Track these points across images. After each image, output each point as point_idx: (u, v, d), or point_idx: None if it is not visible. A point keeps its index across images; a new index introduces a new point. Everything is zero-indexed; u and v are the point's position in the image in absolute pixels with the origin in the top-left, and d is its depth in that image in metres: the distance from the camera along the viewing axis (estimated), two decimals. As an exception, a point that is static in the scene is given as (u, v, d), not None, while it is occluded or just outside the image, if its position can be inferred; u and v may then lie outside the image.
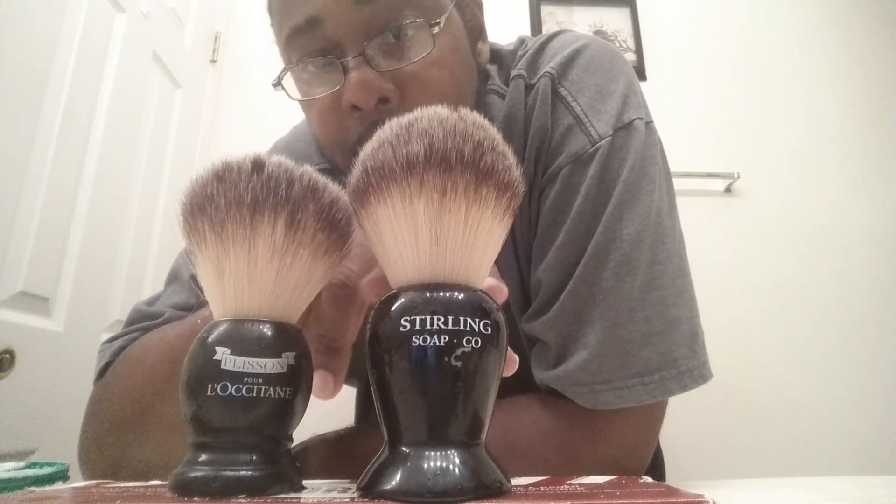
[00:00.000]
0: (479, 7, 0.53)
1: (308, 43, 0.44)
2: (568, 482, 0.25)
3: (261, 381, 0.23)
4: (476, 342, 0.22)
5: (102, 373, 0.46)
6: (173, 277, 0.53)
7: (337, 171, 0.34)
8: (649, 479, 0.27)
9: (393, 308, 0.23)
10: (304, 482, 0.25)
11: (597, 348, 0.40)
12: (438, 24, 0.44)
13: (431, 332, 0.21)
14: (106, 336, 0.53)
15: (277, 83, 0.47)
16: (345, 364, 0.30)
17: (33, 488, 0.28)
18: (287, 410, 0.24)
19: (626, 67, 0.50)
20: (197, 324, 0.39)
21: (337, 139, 0.46)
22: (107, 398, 0.44)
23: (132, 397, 0.41)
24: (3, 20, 0.78)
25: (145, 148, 1.14)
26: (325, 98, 0.45)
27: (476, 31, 0.53)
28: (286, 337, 0.25)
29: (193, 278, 0.49)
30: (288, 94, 0.47)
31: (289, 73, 0.47)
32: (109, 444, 0.42)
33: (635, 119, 0.46)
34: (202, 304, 0.46)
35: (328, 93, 0.44)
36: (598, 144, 0.44)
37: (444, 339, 0.21)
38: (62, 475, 0.37)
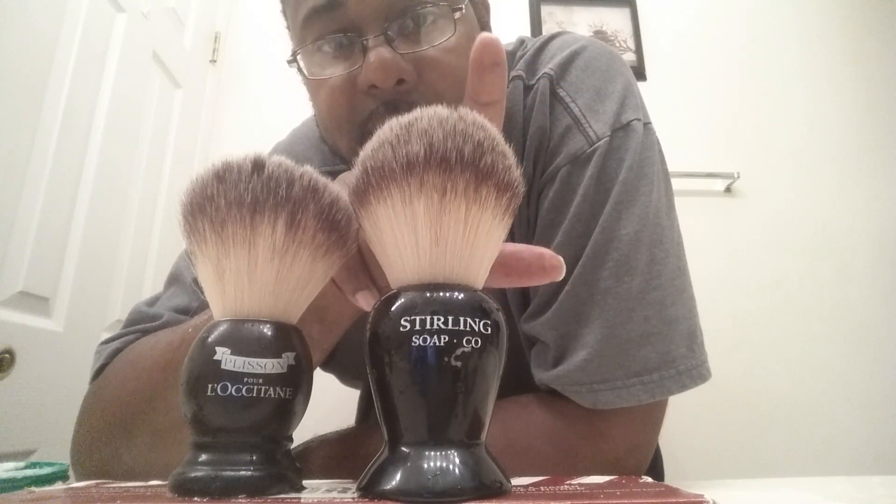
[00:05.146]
0: (487, 9, 0.53)
1: (327, 24, 0.44)
2: (568, 482, 0.25)
3: (261, 381, 0.23)
4: (476, 342, 0.22)
5: (98, 374, 0.46)
6: (174, 279, 0.53)
7: (337, 173, 0.34)
8: (649, 479, 0.27)
9: (393, 308, 0.23)
10: (305, 482, 0.25)
11: (596, 348, 0.40)
12: (461, 9, 0.44)
13: (431, 332, 0.21)
14: (106, 336, 0.53)
15: (293, 60, 0.46)
16: (371, 274, 0.30)
17: (33, 488, 0.28)
18: (287, 411, 0.24)
19: (625, 69, 0.50)
20: (188, 332, 0.39)
21: (347, 118, 0.45)
22: (99, 401, 0.44)
23: (122, 402, 0.41)
24: (3, 20, 0.78)
25: (145, 148, 1.14)
26: (336, 78, 0.44)
27: (485, 28, 0.53)
28: (286, 337, 0.25)
29: (195, 281, 0.49)
30: (302, 72, 0.47)
31: (300, 56, 0.47)
32: (99, 447, 0.42)
33: (633, 120, 0.46)
34: (202, 307, 0.46)
35: (343, 72, 0.44)
36: (595, 145, 0.44)
37: (444, 339, 0.21)
38: (62, 475, 0.37)
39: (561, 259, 0.30)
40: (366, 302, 0.29)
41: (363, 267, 0.30)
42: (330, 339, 0.37)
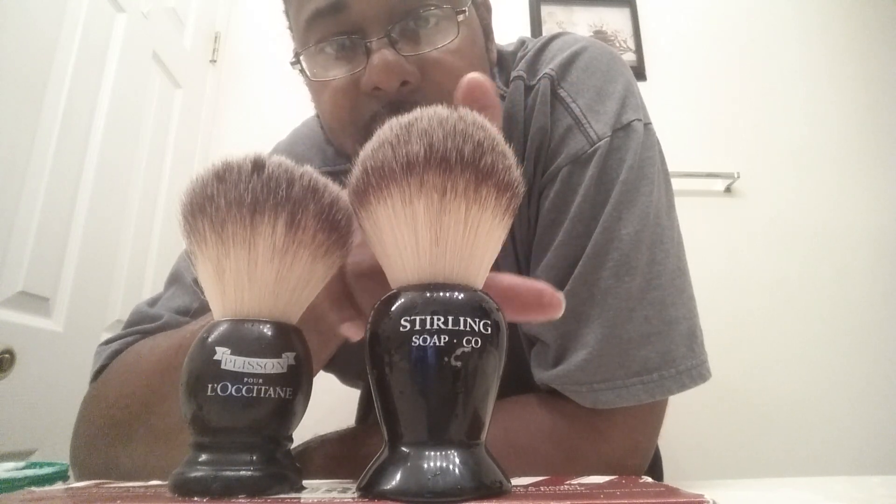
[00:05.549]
0: (489, 10, 0.53)
1: (330, 25, 0.44)
2: (568, 482, 0.25)
3: (261, 381, 0.23)
4: (476, 342, 0.22)
5: (97, 375, 0.46)
6: (174, 279, 0.53)
7: (338, 173, 0.34)
8: (649, 479, 0.27)
9: (393, 308, 0.23)
10: (304, 482, 0.25)
11: (596, 347, 0.40)
12: (464, 12, 0.44)
13: (431, 332, 0.21)
14: (106, 336, 0.53)
15: (295, 61, 0.46)
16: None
17: (33, 488, 0.28)
18: (287, 410, 0.24)
19: (625, 69, 0.50)
20: (185, 339, 0.39)
21: (350, 120, 0.45)
22: (98, 402, 0.44)
23: (121, 405, 0.41)
24: (3, 20, 0.78)
25: (145, 148, 1.14)
26: (339, 80, 0.44)
27: (487, 30, 0.53)
28: (286, 337, 0.25)
29: (196, 281, 0.49)
30: (305, 73, 0.47)
31: (302, 58, 0.47)
32: (98, 448, 0.42)
33: (633, 120, 0.46)
34: (202, 307, 0.46)
35: (347, 74, 0.44)
36: (596, 145, 0.44)
37: (444, 339, 0.21)
38: (62, 475, 0.37)
39: (560, 297, 0.28)
40: (353, 333, 0.28)
41: (348, 295, 0.30)
42: (328, 349, 0.37)
